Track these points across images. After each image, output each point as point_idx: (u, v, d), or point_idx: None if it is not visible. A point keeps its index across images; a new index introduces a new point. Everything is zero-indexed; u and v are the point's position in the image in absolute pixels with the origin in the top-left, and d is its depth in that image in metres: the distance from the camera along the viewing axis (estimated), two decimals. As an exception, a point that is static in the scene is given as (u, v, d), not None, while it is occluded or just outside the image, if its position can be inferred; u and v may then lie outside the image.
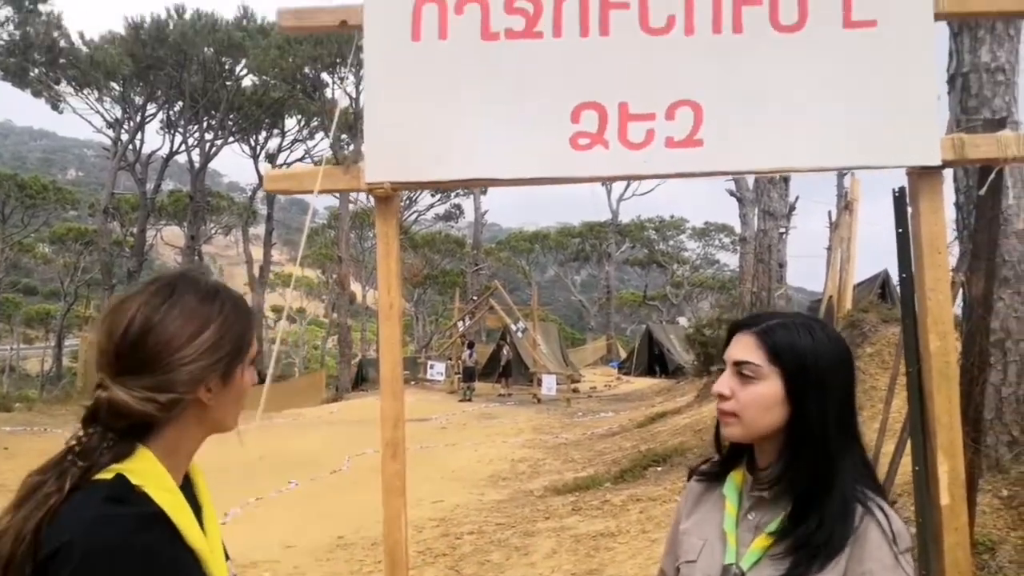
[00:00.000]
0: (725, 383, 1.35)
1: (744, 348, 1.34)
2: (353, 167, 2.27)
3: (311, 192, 2.28)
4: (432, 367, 24.26)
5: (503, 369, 23.66)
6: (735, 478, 1.42)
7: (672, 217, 50.10)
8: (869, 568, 1.21)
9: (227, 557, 1.26)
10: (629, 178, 2.21)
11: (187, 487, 1.20)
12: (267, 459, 11.35)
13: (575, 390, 22.73)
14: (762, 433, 1.33)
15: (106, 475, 1.06)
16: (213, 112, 30.71)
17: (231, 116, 31.61)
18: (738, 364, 1.34)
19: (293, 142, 35.51)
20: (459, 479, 9.49)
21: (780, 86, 2.03)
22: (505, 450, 12.08)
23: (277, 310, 59.13)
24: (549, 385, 21.14)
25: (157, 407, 1.08)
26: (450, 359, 24.54)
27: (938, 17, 2.01)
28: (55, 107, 29.36)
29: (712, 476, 1.49)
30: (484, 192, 40.97)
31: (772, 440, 1.33)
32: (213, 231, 42.67)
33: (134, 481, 1.06)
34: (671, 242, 50.87)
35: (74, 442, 1.07)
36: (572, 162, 2.17)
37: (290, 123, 34.19)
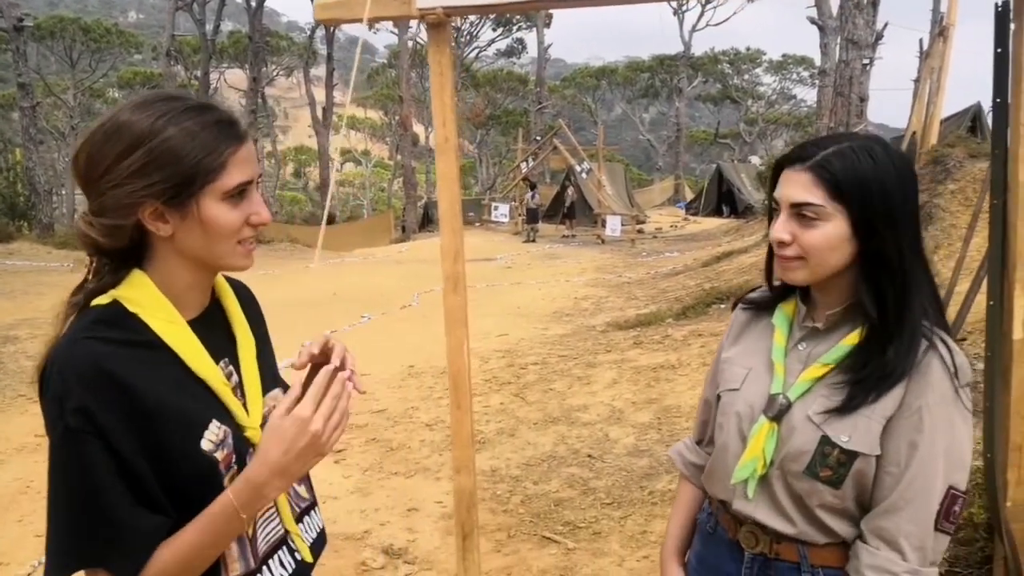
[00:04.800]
0: (783, 228, 1.23)
1: (800, 187, 1.21)
2: (404, -9, 2.16)
3: (360, 20, 2.19)
4: (496, 208, 24.39)
5: (567, 210, 23.62)
6: (785, 308, 1.36)
7: (748, 49, 47.16)
8: (927, 401, 1.17)
9: (278, 385, 1.26)
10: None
11: (219, 320, 1.20)
12: (340, 295, 11.88)
13: (640, 231, 22.63)
14: (830, 273, 1.24)
15: (104, 300, 1.07)
16: (266, -56, 29.52)
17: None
18: (796, 206, 1.21)
19: (349, -25, 34.18)
20: (524, 315, 9.75)
21: None
22: (568, 288, 12.28)
23: (343, 152, 59.58)
24: (613, 226, 21.06)
25: (98, 232, 1.05)
26: (514, 201, 24.54)
27: None
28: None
29: (760, 305, 1.43)
30: (548, 24, 39.11)
31: (836, 277, 1.25)
32: (275, 73, 42.41)
33: (130, 308, 1.06)
34: (746, 76, 48.17)
35: (86, 268, 1.11)
36: (636, -22, 2.01)
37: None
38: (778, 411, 1.27)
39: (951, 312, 4.48)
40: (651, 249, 18.75)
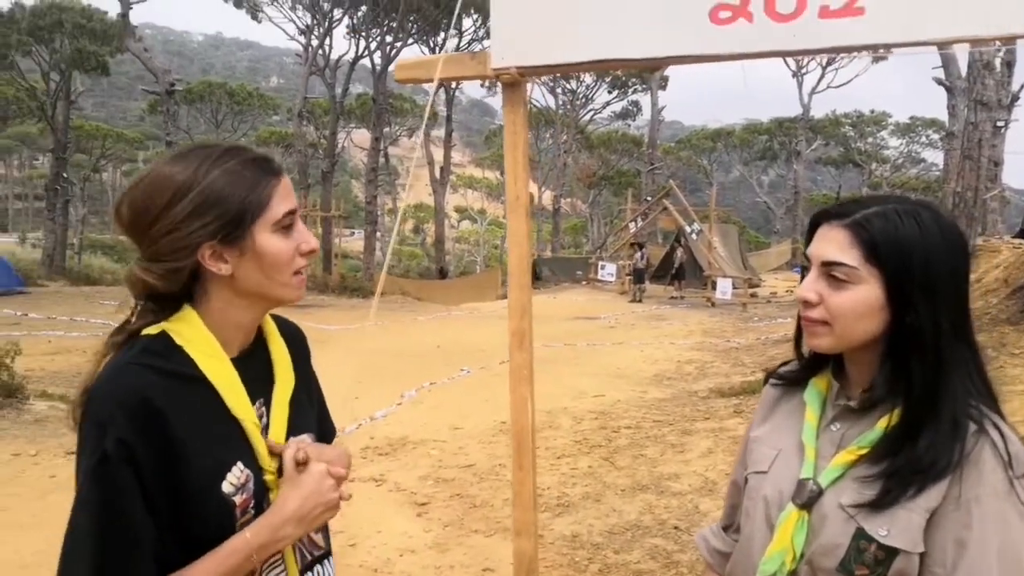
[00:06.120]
0: (811, 287, 1.14)
1: (834, 246, 1.12)
2: (479, 54, 2.22)
3: (439, 80, 2.26)
4: (603, 267, 24.29)
5: (675, 271, 23.24)
6: (818, 384, 1.24)
7: (872, 112, 45.61)
8: (978, 494, 1.03)
9: (327, 430, 1.34)
10: (774, 55, 2.01)
11: (260, 360, 1.21)
12: (443, 348, 12.06)
13: (753, 295, 21.92)
14: (856, 343, 1.13)
15: (153, 331, 1.10)
16: (393, 15, 31.40)
17: (411, 18, 32.20)
18: (827, 265, 1.12)
19: (470, 41, 35.77)
20: (623, 376, 9.56)
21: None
22: (672, 351, 11.98)
23: (460, 210, 61.33)
24: (724, 289, 20.49)
25: (155, 276, 1.09)
26: (622, 260, 24.40)
27: None
28: (254, 16, 31.44)
29: (792, 380, 1.31)
30: (663, 87, 39.29)
31: (868, 349, 1.13)
32: (398, 133, 44.44)
33: (178, 341, 1.09)
34: (870, 139, 46.49)
35: (130, 310, 1.14)
36: (710, 38, 1.98)
37: (467, 23, 34.32)
38: (808, 498, 1.14)
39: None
40: (763, 314, 18.08)
